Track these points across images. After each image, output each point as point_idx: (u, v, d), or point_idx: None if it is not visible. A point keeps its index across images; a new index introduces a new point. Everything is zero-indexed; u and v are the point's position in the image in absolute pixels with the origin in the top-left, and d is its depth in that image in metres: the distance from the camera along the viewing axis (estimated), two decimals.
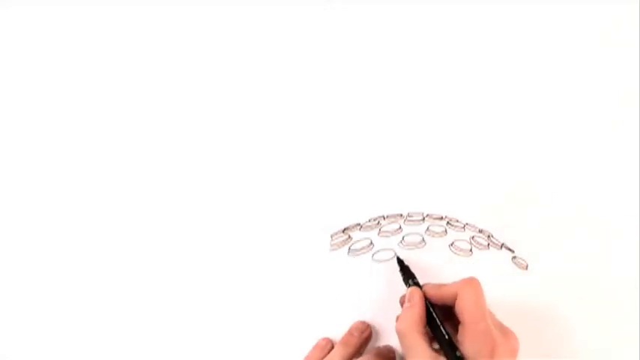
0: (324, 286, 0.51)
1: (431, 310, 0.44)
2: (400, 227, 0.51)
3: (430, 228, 0.51)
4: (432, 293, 0.44)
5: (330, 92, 0.53)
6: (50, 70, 0.54)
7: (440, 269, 0.50)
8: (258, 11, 0.53)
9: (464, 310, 0.42)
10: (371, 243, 0.51)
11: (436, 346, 0.42)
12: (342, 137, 0.52)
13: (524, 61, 0.53)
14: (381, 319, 0.50)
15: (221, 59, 0.53)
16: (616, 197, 0.51)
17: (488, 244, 0.51)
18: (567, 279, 0.50)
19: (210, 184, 0.52)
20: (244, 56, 0.53)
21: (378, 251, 0.51)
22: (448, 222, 0.51)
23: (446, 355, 0.41)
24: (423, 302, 0.44)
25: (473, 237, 0.51)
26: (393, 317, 0.47)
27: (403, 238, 0.51)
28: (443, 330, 0.42)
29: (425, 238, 0.51)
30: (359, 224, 0.52)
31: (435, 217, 0.52)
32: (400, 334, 0.43)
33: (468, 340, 0.41)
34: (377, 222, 0.51)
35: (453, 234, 0.51)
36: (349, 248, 0.51)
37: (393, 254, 0.51)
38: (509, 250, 0.51)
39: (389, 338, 0.50)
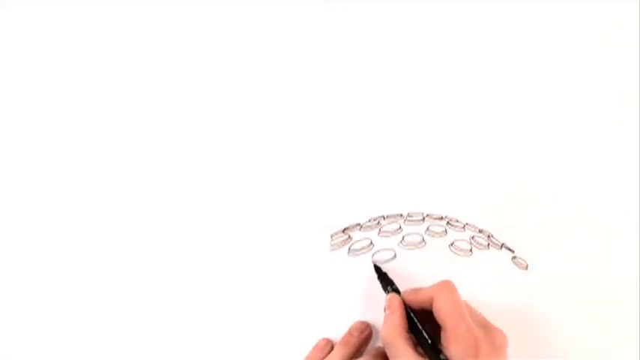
0: (324, 286, 0.51)
1: (412, 315, 0.44)
2: (400, 227, 0.51)
3: (430, 228, 0.51)
4: (410, 299, 0.45)
5: (330, 92, 0.53)
6: (50, 70, 0.54)
7: (440, 269, 0.50)
8: (258, 11, 0.53)
9: (441, 313, 0.42)
10: (371, 243, 0.51)
11: (421, 350, 0.42)
12: (342, 137, 0.52)
13: (524, 61, 0.53)
14: (381, 319, 0.49)
15: (221, 59, 0.53)
16: (616, 197, 0.51)
17: (488, 244, 0.51)
18: (567, 279, 0.50)
19: (210, 184, 0.52)
20: (244, 56, 0.53)
21: (378, 251, 0.51)
22: (448, 222, 0.51)
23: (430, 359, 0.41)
24: (403, 308, 0.44)
25: (473, 237, 0.51)
26: None
27: (403, 238, 0.51)
28: (424, 334, 0.42)
29: (425, 238, 0.51)
30: (359, 224, 0.51)
31: (435, 217, 0.52)
32: (384, 342, 0.43)
33: (450, 343, 0.41)
34: (377, 222, 0.51)
35: (453, 234, 0.51)
36: (349, 248, 0.51)
37: (393, 254, 0.51)
38: (509, 250, 0.51)
39: None
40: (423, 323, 0.43)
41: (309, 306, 0.50)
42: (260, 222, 0.52)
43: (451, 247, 0.51)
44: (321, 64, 0.53)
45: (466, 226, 0.51)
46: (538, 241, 0.51)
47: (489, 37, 0.53)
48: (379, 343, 0.50)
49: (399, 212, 0.52)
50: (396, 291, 0.46)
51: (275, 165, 0.52)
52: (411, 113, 0.53)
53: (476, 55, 0.53)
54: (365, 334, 0.49)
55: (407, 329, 0.43)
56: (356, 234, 0.51)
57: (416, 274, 0.48)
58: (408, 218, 0.51)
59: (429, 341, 0.42)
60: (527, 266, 0.51)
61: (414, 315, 0.44)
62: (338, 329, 0.49)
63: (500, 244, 0.51)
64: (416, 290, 0.45)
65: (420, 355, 0.41)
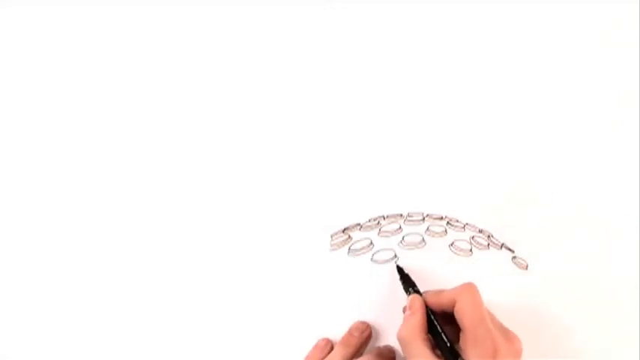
0: (324, 286, 0.51)
1: (432, 317, 0.44)
2: (400, 227, 0.51)
3: (430, 228, 0.51)
4: (432, 300, 0.45)
5: (330, 92, 0.53)
6: (50, 70, 0.54)
7: (440, 269, 0.50)
8: (258, 11, 0.53)
9: (463, 315, 0.42)
10: (371, 243, 0.51)
11: (439, 352, 0.42)
12: (342, 137, 0.52)
13: (525, 61, 0.53)
14: (381, 319, 0.50)
15: (221, 59, 0.53)
16: (616, 197, 0.51)
17: (488, 244, 0.51)
18: (567, 279, 0.50)
19: (210, 184, 0.52)
20: (244, 56, 0.53)
21: (378, 251, 0.51)
22: (448, 222, 0.51)
23: None
24: (424, 309, 0.44)
25: (473, 237, 0.51)
26: (393, 317, 0.47)
27: (403, 238, 0.51)
28: (444, 337, 0.42)
29: (425, 238, 0.51)
30: (359, 224, 0.51)
31: (435, 217, 0.52)
32: (402, 342, 0.43)
33: (469, 345, 0.41)
34: (377, 222, 0.51)
35: (453, 234, 0.51)
36: (349, 248, 0.51)
37: (393, 254, 0.51)
38: (509, 250, 0.51)
39: (389, 338, 0.50)
40: (442, 326, 0.43)
41: (309, 306, 0.50)
42: (260, 222, 0.52)
43: (451, 247, 0.51)
44: (321, 64, 0.53)
45: (466, 226, 0.51)
46: (538, 241, 0.51)
47: (489, 37, 0.53)
48: (379, 343, 0.50)
49: (399, 212, 0.52)
50: (418, 292, 0.46)
51: (275, 165, 0.52)
52: (411, 113, 0.53)
53: (476, 55, 0.53)
54: (365, 335, 0.49)
55: (426, 330, 0.43)
56: (356, 234, 0.51)
57: (416, 274, 0.48)
58: (408, 218, 0.51)
59: (448, 344, 0.42)
60: (527, 266, 0.51)
61: (434, 317, 0.44)
62: (338, 329, 0.49)
63: (500, 244, 0.51)
64: (438, 292, 0.45)
65: (437, 357, 0.41)
